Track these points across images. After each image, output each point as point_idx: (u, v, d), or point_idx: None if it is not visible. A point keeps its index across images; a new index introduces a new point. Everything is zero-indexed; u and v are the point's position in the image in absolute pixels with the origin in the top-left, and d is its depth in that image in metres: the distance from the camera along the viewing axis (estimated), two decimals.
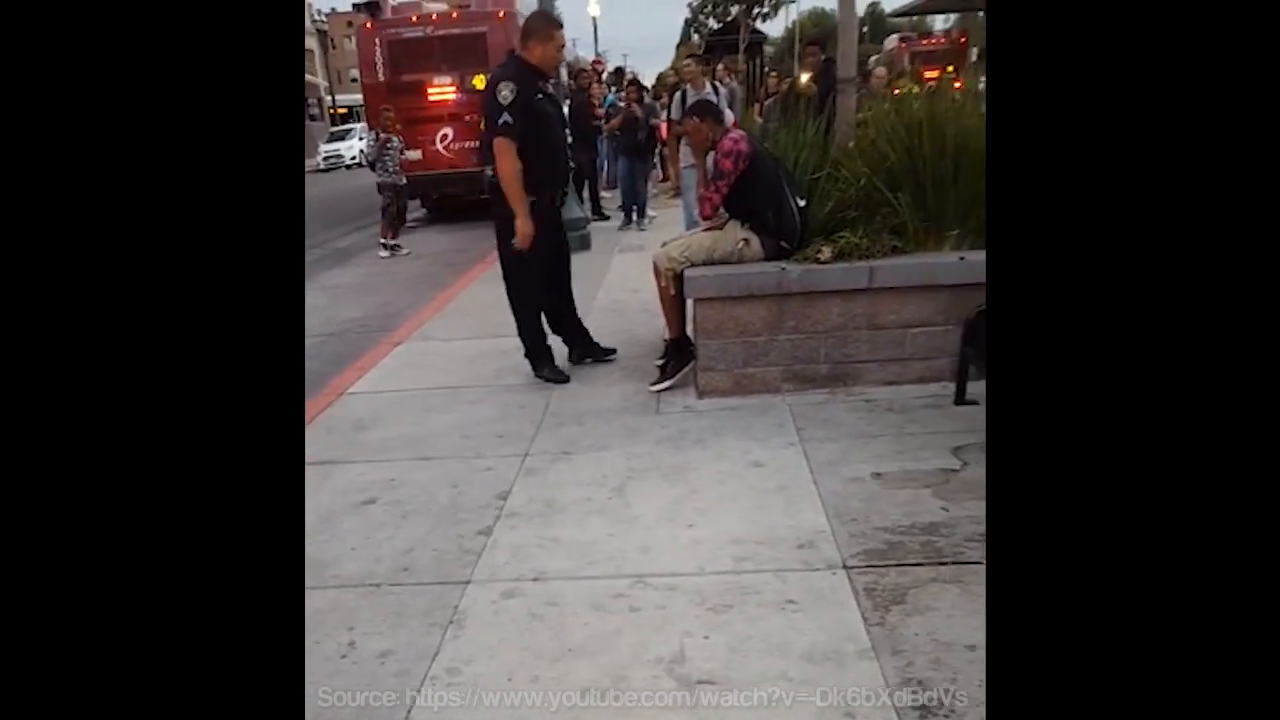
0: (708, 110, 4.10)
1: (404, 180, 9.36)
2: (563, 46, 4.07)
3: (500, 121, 3.81)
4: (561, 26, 4.10)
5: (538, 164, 3.92)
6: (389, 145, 9.13)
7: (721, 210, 3.97)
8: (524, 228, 3.91)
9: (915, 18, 32.87)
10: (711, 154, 3.93)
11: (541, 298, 4.25)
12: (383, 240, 9.48)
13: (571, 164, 4.54)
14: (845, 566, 2.43)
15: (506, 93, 3.81)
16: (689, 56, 10.27)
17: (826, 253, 3.74)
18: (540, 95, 3.94)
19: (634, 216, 9.36)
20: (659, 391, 3.93)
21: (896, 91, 4.43)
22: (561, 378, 4.21)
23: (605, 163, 10.89)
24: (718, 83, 9.02)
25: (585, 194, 10.22)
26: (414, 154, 10.72)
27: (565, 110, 9.22)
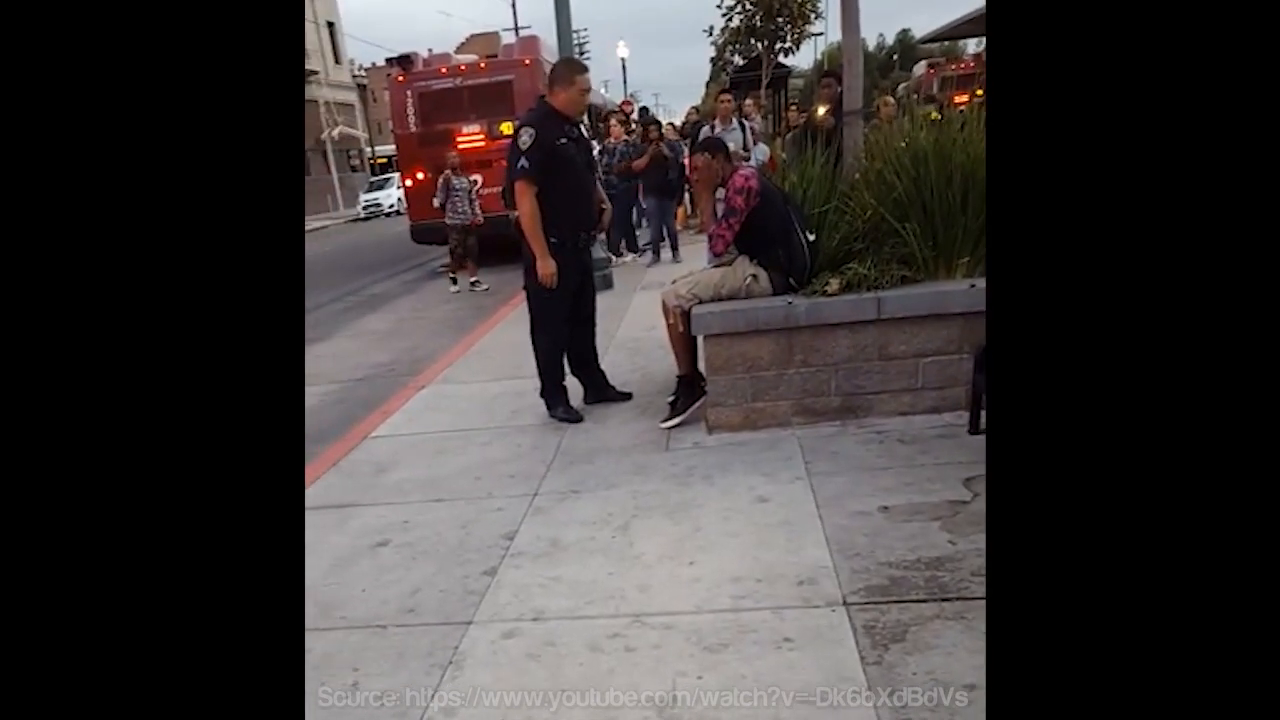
0: (717, 147, 4.14)
1: (470, 219, 9.56)
2: (587, 90, 4.14)
3: (519, 166, 3.96)
4: (585, 71, 4.18)
5: (560, 206, 4.03)
6: (455, 188, 9.36)
7: (731, 247, 4.01)
8: (544, 267, 4.03)
9: (947, 43, 32.85)
10: (721, 190, 3.97)
11: (564, 338, 4.32)
12: (452, 276, 9.74)
13: (604, 205, 4.59)
14: (845, 603, 2.41)
15: (525, 138, 3.95)
16: (723, 92, 10.41)
17: (834, 285, 3.75)
18: (564, 140, 4.04)
19: (660, 254, 9.48)
20: (669, 428, 3.95)
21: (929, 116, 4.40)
22: (575, 417, 4.26)
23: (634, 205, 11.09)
24: (744, 119, 9.13)
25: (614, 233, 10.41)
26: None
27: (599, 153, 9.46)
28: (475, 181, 9.84)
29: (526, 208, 3.98)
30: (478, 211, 9.63)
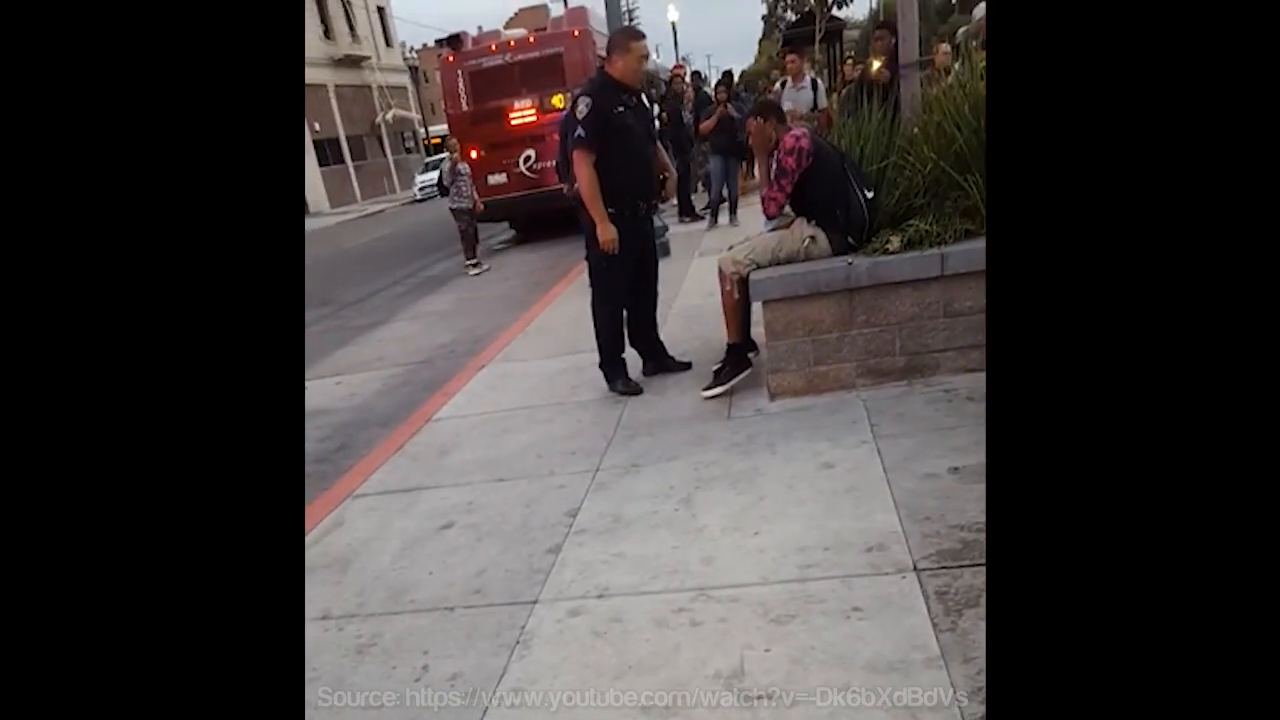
0: (770, 110, 4.05)
1: (473, 204, 9.80)
2: (644, 57, 4.08)
3: (576, 134, 3.95)
4: (642, 38, 4.12)
5: (618, 176, 4.01)
6: (460, 173, 9.54)
7: (787, 209, 3.91)
8: (604, 233, 4.02)
9: None
10: (775, 153, 3.87)
11: (623, 307, 4.31)
12: (469, 262, 9.90)
13: (666, 173, 4.49)
14: (916, 569, 2.33)
15: (582, 107, 3.95)
16: (788, 53, 10.24)
17: (895, 243, 3.63)
18: (622, 108, 4.00)
19: (719, 218, 9.38)
20: (710, 397, 3.90)
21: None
22: (634, 390, 4.23)
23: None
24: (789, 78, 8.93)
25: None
26: (499, 178, 11.07)
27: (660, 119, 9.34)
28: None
29: (584, 175, 3.97)
30: (476, 197, 9.85)
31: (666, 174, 4.43)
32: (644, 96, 4.22)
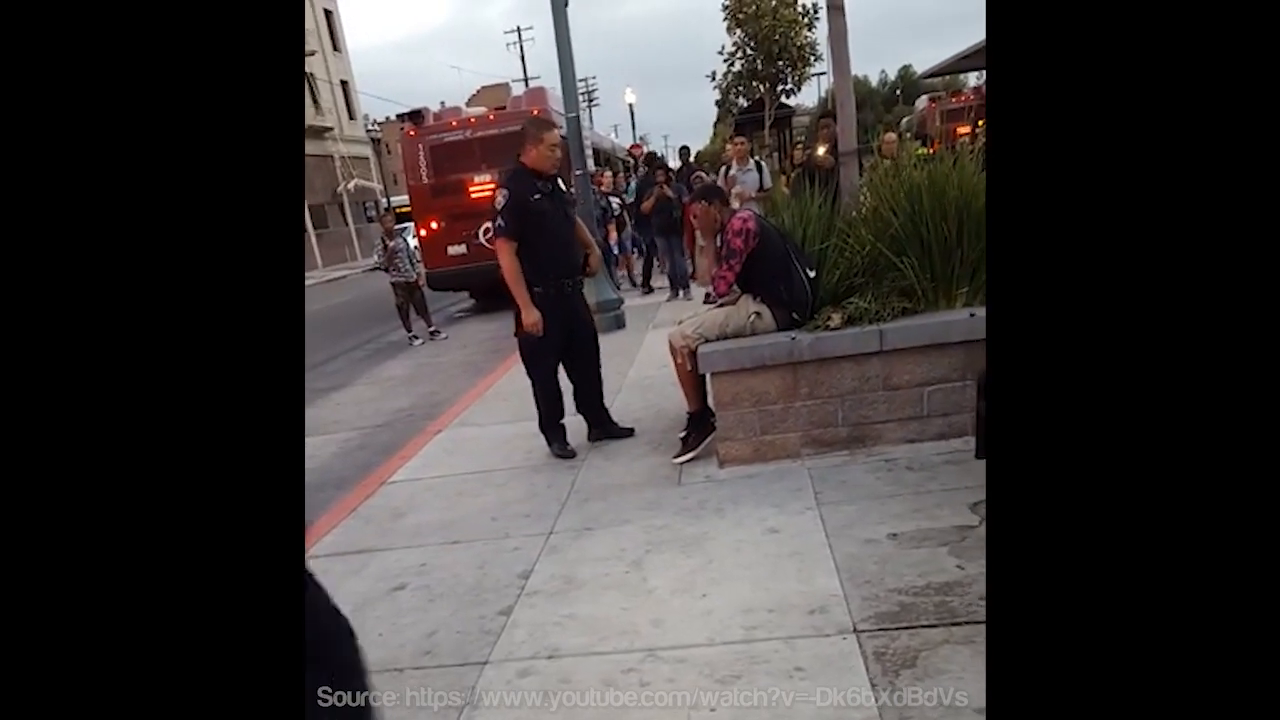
0: (713, 194, 4.27)
1: (414, 278, 10.02)
2: (555, 145, 4.29)
3: (496, 225, 4.22)
4: (553, 128, 4.39)
5: (538, 257, 4.24)
6: (396, 250, 9.75)
7: (734, 286, 4.09)
8: (528, 317, 4.23)
9: (948, 77, 33.18)
10: (720, 235, 4.07)
11: (553, 378, 4.49)
12: (410, 334, 10.03)
13: (589, 249, 4.69)
14: (856, 630, 2.43)
15: (500, 199, 4.24)
16: (735, 135, 10.76)
17: (836, 319, 3.82)
18: (539, 195, 4.24)
19: (678, 291, 9.74)
20: (681, 464, 4.01)
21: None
22: (566, 454, 4.44)
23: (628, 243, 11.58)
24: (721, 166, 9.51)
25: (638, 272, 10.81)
26: (458, 248, 11.27)
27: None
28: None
29: (506, 263, 4.21)
30: (421, 271, 10.21)
31: (589, 250, 4.64)
32: (559, 181, 4.47)
